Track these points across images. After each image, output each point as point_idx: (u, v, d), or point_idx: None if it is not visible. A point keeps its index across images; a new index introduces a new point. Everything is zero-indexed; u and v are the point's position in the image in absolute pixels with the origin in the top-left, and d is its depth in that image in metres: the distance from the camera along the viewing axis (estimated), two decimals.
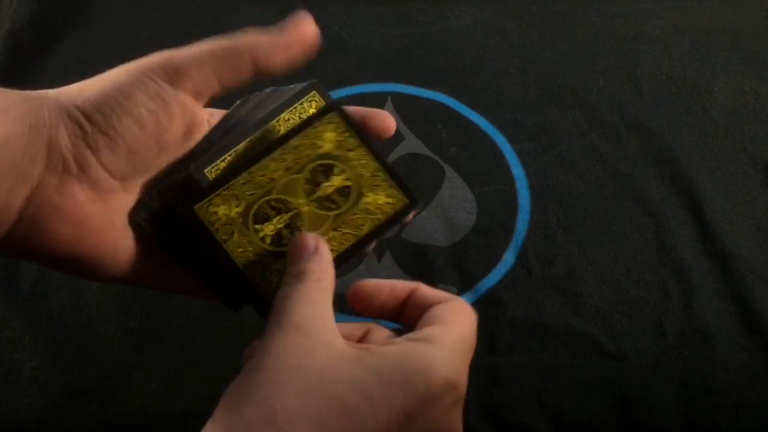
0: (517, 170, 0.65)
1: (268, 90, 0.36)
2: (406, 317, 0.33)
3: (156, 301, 0.58)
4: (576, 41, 0.72)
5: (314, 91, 0.34)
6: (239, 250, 0.32)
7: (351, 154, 0.33)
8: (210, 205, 0.31)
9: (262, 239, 0.32)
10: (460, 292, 0.59)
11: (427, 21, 0.74)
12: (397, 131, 0.67)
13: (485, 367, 0.56)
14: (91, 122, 0.30)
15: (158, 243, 0.32)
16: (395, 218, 0.34)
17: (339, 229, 0.33)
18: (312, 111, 0.33)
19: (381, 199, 0.33)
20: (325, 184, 0.33)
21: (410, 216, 0.34)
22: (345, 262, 0.33)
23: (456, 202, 0.63)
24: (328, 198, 0.33)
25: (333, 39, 0.72)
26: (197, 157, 0.31)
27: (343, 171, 0.33)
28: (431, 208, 0.63)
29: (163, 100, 0.31)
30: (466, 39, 0.72)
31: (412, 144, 0.66)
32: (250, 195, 0.31)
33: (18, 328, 0.57)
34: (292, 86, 0.35)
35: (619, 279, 0.59)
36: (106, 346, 0.57)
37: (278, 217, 0.32)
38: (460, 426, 0.31)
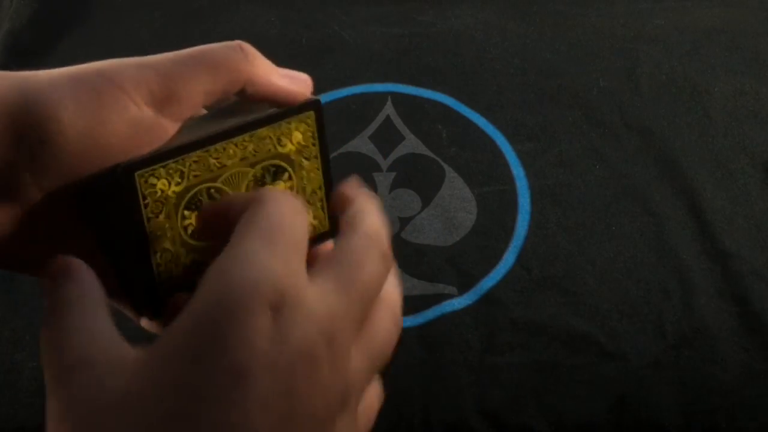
0: (517, 170, 0.65)
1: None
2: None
3: None
4: (576, 41, 0.72)
5: (312, 113, 0.31)
6: (158, 233, 0.28)
7: (306, 163, 0.31)
8: (152, 175, 0.27)
9: (185, 228, 0.29)
10: (460, 292, 0.59)
11: (427, 21, 0.74)
12: (397, 131, 0.67)
13: (485, 367, 0.56)
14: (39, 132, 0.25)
15: (79, 212, 0.28)
16: (310, 242, 0.29)
17: None
18: (298, 137, 0.30)
19: (308, 219, 0.31)
20: (269, 186, 0.30)
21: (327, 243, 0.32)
22: None
23: (456, 202, 0.63)
24: None
25: (333, 39, 0.72)
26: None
27: (290, 179, 0.31)
28: (431, 208, 0.63)
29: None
30: (466, 39, 0.72)
31: (412, 144, 0.66)
32: (195, 176, 0.28)
33: (18, 328, 0.57)
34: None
35: (619, 279, 0.59)
36: None
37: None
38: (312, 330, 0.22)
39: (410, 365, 0.56)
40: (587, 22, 0.74)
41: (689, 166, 0.64)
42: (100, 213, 0.28)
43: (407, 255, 0.60)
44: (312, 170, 0.31)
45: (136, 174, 0.27)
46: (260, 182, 0.30)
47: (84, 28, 0.72)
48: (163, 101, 0.27)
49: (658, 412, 0.54)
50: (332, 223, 0.32)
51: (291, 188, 0.31)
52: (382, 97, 0.69)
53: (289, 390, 0.21)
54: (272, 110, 0.30)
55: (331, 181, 0.32)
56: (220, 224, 0.26)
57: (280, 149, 0.30)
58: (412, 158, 0.65)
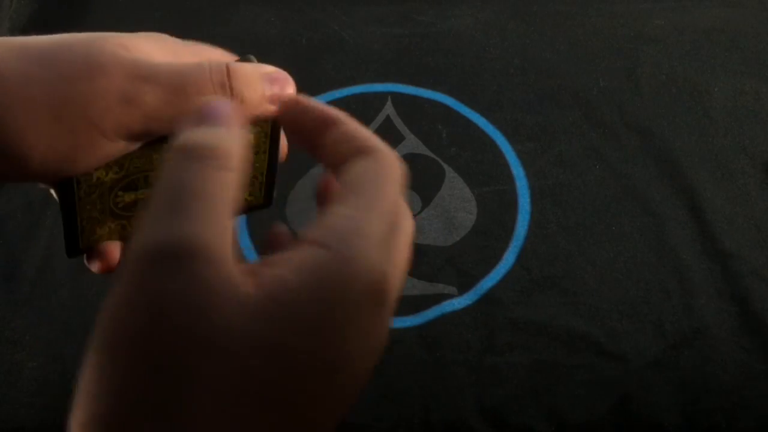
0: (517, 170, 0.65)
1: None
2: (325, 154, 0.27)
3: None
4: (576, 41, 0.72)
5: (270, 122, 0.31)
6: (87, 207, 0.30)
7: (255, 156, 0.32)
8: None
9: (116, 203, 0.30)
10: (460, 292, 0.59)
11: (427, 21, 0.74)
12: (397, 131, 0.67)
13: (485, 367, 0.56)
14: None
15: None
16: (243, 212, 0.34)
17: None
18: (250, 138, 0.31)
19: (243, 196, 0.33)
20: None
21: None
22: None
23: (456, 202, 0.63)
24: None
25: (333, 39, 0.72)
26: None
27: None
28: (431, 208, 0.63)
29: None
30: (466, 39, 0.72)
31: (412, 144, 0.66)
32: (135, 168, 0.29)
33: (18, 328, 0.57)
34: None
35: (619, 279, 0.59)
36: None
37: (145, 190, 0.31)
38: (385, 330, 0.23)
39: (410, 365, 0.56)
40: (587, 22, 0.74)
41: (689, 166, 0.64)
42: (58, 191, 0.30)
43: None
44: (258, 161, 0.32)
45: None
46: None
47: (84, 28, 0.71)
48: (139, 137, 0.28)
49: (658, 412, 0.54)
50: (266, 196, 0.34)
51: None
52: (382, 97, 0.69)
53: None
54: None
55: (277, 171, 0.33)
56: None
57: None
58: (412, 158, 0.65)
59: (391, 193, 0.25)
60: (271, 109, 0.29)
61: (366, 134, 0.27)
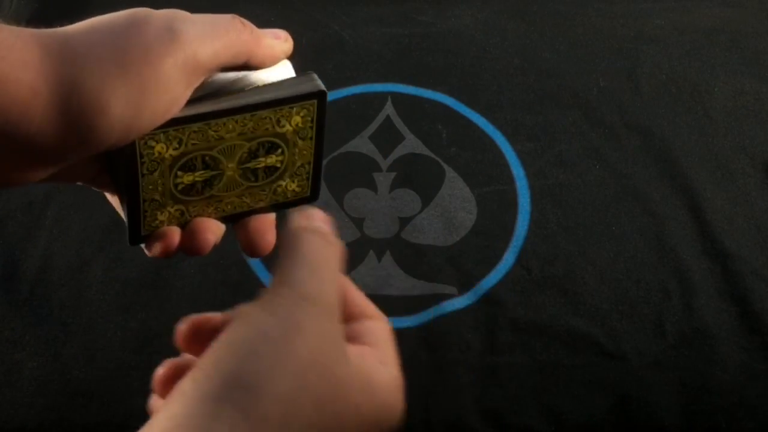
0: (517, 170, 0.65)
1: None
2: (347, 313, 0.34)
3: (156, 301, 0.58)
4: (576, 41, 0.72)
5: (316, 101, 0.33)
6: (150, 187, 0.32)
7: (300, 142, 0.33)
8: (152, 138, 0.30)
9: (176, 185, 0.32)
10: (460, 292, 0.59)
11: (427, 21, 0.74)
12: (397, 131, 0.67)
13: (485, 367, 0.56)
14: None
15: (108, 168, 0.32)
16: (290, 204, 0.35)
17: (242, 197, 0.34)
18: (297, 120, 0.33)
19: (291, 186, 0.35)
20: (261, 159, 0.33)
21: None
22: (226, 222, 0.34)
23: (456, 202, 0.63)
24: (254, 171, 0.33)
25: (333, 39, 0.72)
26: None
27: (282, 154, 0.33)
28: (431, 208, 0.63)
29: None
30: (466, 39, 0.72)
31: (412, 144, 0.66)
32: (193, 144, 0.31)
33: (18, 328, 0.57)
34: (289, 78, 0.33)
35: (619, 279, 0.59)
36: (106, 346, 0.57)
37: (203, 172, 0.32)
38: None
39: (410, 365, 0.55)
40: (587, 22, 0.74)
41: (689, 166, 0.64)
42: (116, 169, 0.32)
43: (407, 255, 0.60)
44: (305, 148, 0.34)
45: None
46: (253, 155, 0.33)
47: None
48: (190, 75, 0.30)
49: (658, 412, 0.54)
50: (313, 190, 0.35)
51: (281, 162, 0.34)
52: (382, 97, 0.69)
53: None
54: (278, 94, 0.32)
55: (321, 157, 0.35)
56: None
57: (278, 129, 0.33)
58: (412, 158, 0.65)
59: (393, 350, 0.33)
60: (287, 46, 0.33)
61: (372, 306, 0.34)
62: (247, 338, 0.26)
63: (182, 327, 0.32)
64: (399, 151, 0.65)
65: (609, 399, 0.54)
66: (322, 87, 0.33)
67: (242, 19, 0.33)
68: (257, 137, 0.32)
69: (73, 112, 0.27)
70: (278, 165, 0.34)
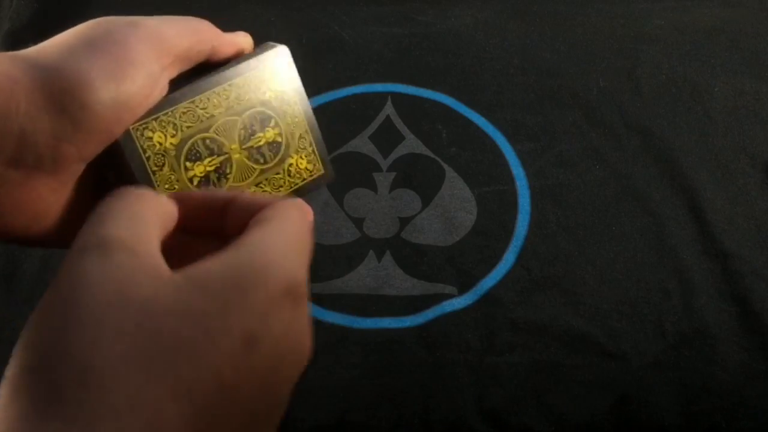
0: (517, 170, 0.65)
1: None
2: (228, 231, 0.28)
3: None
4: (576, 41, 0.72)
5: (278, 58, 0.34)
6: (166, 186, 0.31)
7: (287, 109, 0.34)
8: (146, 128, 0.30)
9: (191, 180, 0.32)
10: (460, 292, 0.59)
11: (427, 21, 0.74)
12: (397, 131, 0.67)
13: (485, 367, 0.56)
14: (72, 105, 0.27)
15: (110, 176, 0.32)
16: (310, 186, 0.35)
17: (261, 185, 0.34)
18: (274, 83, 0.34)
19: (302, 164, 0.35)
20: (259, 134, 0.34)
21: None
22: None
23: (456, 202, 0.63)
24: (258, 150, 0.34)
25: (333, 39, 0.72)
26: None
27: (277, 125, 0.34)
28: (431, 208, 0.63)
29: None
30: (466, 39, 0.72)
31: (412, 144, 0.66)
32: (188, 127, 0.31)
33: (18, 328, 0.57)
34: (256, 52, 0.35)
35: (619, 279, 0.59)
36: None
37: (210, 159, 0.32)
38: (308, 330, 0.26)
39: (410, 365, 0.56)
40: (587, 22, 0.74)
41: (689, 166, 0.64)
42: (120, 173, 0.31)
43: (407, 255, 0.60)
44: (296, 115, 0.35)
45: (130, 128, 0.30)
46: (250, 131, 0.33)
47: None
48: (159, 51, 0.30)
49: (658, 412, 0.54)
50: (326, 165, 0.36)
51: (279, 135, 0.34)
52: (382, 97, 0.69)
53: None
54: (244, 58, 0.33)
55: (316, 124, 0.35)
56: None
57: (260, 96, 0.33)
58: (412, 158, 0.65)
59: (298, 218, 0.27)
60: (248, 39, 0.34)
61: (264, 196, 0.30)
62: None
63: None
64: (399, 151, 0.66)
65: (609, 399, 0.54)
66: (281, 46, 0.34)
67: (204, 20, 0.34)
68: (245, 109, 0.33)
69: (56, 92, 0.27)
70: (278, 138, 0.34)
